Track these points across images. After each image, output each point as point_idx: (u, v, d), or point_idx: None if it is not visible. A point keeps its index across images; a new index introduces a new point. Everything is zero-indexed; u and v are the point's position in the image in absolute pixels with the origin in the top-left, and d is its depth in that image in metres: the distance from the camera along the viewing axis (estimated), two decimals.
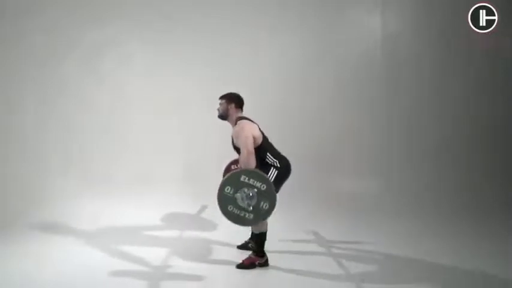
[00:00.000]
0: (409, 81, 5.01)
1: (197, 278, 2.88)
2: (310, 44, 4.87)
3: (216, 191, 2.77)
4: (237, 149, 3.10)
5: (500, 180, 4.78)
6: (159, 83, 4.58)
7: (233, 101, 3.18)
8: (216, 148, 4.53)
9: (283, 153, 3.14)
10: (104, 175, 4.38)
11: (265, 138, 3.12)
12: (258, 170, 2.79)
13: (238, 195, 2.73)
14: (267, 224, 3.02)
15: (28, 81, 4.35)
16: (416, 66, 5.00)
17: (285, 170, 3.08)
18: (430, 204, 4.55)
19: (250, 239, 3.36)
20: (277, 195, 2.94)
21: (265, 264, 3.02)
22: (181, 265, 3.10)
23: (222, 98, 3.22)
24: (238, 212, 2.75)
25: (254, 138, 2.97)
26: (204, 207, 4.36)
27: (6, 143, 4.26)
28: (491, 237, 3.69)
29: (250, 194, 2.72)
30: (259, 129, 3.09)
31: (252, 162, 2.83)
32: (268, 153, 3.05)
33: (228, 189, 2.75)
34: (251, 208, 2.73)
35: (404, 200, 4.61)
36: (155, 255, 3.30)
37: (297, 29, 4.83)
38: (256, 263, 3.01)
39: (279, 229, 3.72)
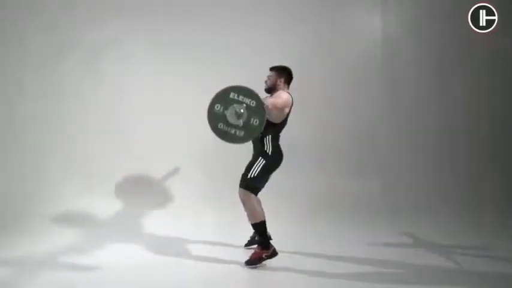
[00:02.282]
0: (408, 81, 5.02)
1: (204, 279, 2.88)
2: (309, 44, 4.87)
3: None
4: None
5: (501, 180, 4.78)
6: (159, 83, 4.57)
7: (283, 76, 3.18)
8: (217, 148, 4.52)
9: (284, 154, 3.14)
10: (104, 175, 4.37)
11: (283, 124, 3.12)
12: (247, 87, 2.78)
13: (228, 112, 2.71)
14: (263, 213, 3.01)
15: (28, 81, 4.34)
16: (416, 66, 5.01)
17: (273, 161, 3.07)
18: (430, 204, 4.55)
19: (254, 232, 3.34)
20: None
21: (273, 255, 2.99)
22: (186, 266, 3.10)
23: (272, 69, 3.17)
24: (228, 129, 2.75)
25: (282, 110, 3.02)
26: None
27: (6, 143, 4.25)
28: (491, 238, 3.70)
29: (241, 111, 2.70)
30: (288, 113, 3.10)
31: (272, 107, 2.90)
32: (268, 136, 3.05)
33: (217, 107, 2.74)
34: (241, 124, 2.71)
35: (403, 200, 4.61)
36: (157, 255, 3.31)
37: (296, 29, 4.83)
38: (264, 255, 2.97)
39: (280, 230, 3.71)
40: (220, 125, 2.75)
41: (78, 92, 4.45)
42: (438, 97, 4.97)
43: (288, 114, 3.12)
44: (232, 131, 2.74)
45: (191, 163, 4.53)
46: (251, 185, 3.02)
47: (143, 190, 4.40)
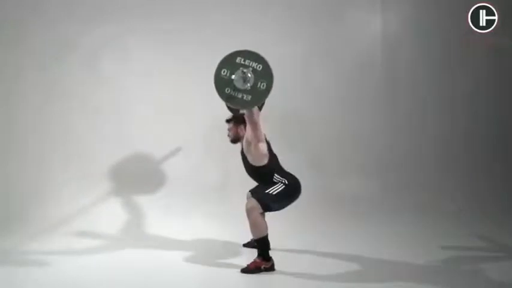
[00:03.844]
0: (408, 81, 5.01)
1: (199, 282, 2.87)
2: (309, 44, 4.87)
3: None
4: (245, 161, 3.11)
5: (501, 181, 4.78)
6: (160, 83, 4.57)
7: (242, 122, 3.15)
8: (218, 148, 4.53)
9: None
10: (104, 175, 4.37)
11: (273, 156, 3.09)
12: (253, 51, 2.75)
13: (234, 76, 2.69)
14: (266, 228, 2.98)
15: (28, 81, 4.34)
16: (416, 66, 5.01)
17: (293, 188, 3.05)
18: (430, 204, 4.55)
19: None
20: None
21: (271, 268, 2.95)
22: (181, 268, 3.09)
23: (228, 121, 3.19)
24: (235, 94, 2.70)
25: (257, 148, 2.96)
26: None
27: (6, 143, 4.25)
28: (492, 238, 3.69)
29: (249, 75, 2.68)
30: (269, 147, 3.08)
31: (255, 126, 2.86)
32: (275, 175, 3.04)
33: (224, 72, 2.71)
34: (249, 89, 2.69)
35: (403, 200, 4.61)
36: (157, 256, 3.32)
37: (296, 29, 4.83)
38: (262, 267, 2.93)
39: (279, 230, 3.71)
40: (228, 90, 2.70)
41: (78, 92, 4.44)
42: (438, 97, 4.97)
43: (270, 150, 3.11)
44: (240, 96, 2.69)
45: (192, 164, 4.52)
46: (265, 200, 2.96)
47: (144, 190, 4.40)
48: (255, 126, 2.89)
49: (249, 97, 2.70)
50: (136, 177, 4.44)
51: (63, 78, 4.39)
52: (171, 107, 4.56)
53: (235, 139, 3.21)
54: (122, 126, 4.49)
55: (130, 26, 4.49)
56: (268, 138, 3.13)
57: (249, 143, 2.97)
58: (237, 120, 3.19)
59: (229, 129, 3.24)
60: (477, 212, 4.37)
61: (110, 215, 4.11)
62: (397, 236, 3.80)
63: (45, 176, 4.28)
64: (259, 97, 2.72)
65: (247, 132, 2.98)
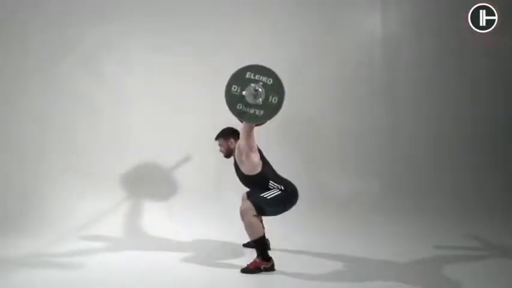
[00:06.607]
0: (408, 81, 5.02)
1: (199, 282, 2.87)
2: (309, 44, 4.87)
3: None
4: (238, 172, 3.12)
5: (501, 180, 4.78)
6: (160, 83, 4.56)
7: (230, 136, 3.19)
8: (218, 148, 4.53)
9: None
10: (103, 175, 4.36)
11: (266, 163, 3.09)
12: (263, 65, 2.78)
13: (245, 92, 2.70)
14: (262, 229, 2.99)
15: (28, 81, 4.34)
16: (415, 66, 5.01)
17: (290, 195, 3.05)
18: (431, 204, 4.55)
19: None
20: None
21: (271, 268, 2.95)
22: (181, 268, 3.09)
23: (217, 138, 3.25)
24: (247, 110, 2.72)
25: (249, 157, 2.97)
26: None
27: (6, 143, 4.24)
28: (491, 239, 3.69)
29: (260, 90, 2.69)
30: (262, 155, 3.09)
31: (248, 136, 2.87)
32: (270, 181, 3.04)
33: (235, 88, 2.73)
34: (260, 103, 2.69)
35: (404, 200, 4.61)
36: (155, 257, 3.32)
37: (296, 29, 4.83)
38: (262, 267, 2.93)
39: (279, 230, 3.73)
40: (239, 106, 2.72)
41: (78, 92, 4.44)
42: (438, 97, 4.97)
43: (263, 158, 3.11)
44: (252, 111, 2.72)
45: (192, 164, 4.52)
46: (259, 203, 2.97)
47: (144, 190, 4.39)
48: (249, 134, 2.90)
49: (261, 112, 2.72)
50: (136, 177, 4.43)
51: (63, 78, 4.38)
52: (171, 107, 4.55)
53: (228, 153, 3.24)
54: (121, 127, 4.48)
55: (130, 26, 4.49)
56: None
57: (240, 152, 2.98)
58: (225, 135, 3.23)
59: (220, 145, 3.27)
60: (477, 212, 4.37)
61: (109, 215, 4.11)
62: (397, 236, 3.80)
63: (45, 176, 4.27)
64: (271, 111, 2.73)
65: (240, 142, 2.99)
